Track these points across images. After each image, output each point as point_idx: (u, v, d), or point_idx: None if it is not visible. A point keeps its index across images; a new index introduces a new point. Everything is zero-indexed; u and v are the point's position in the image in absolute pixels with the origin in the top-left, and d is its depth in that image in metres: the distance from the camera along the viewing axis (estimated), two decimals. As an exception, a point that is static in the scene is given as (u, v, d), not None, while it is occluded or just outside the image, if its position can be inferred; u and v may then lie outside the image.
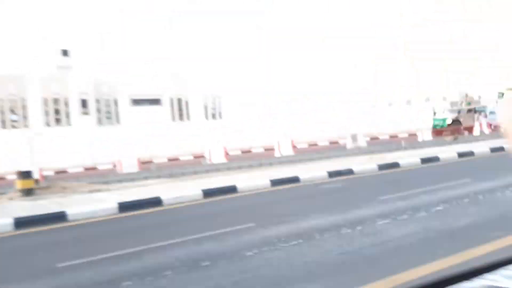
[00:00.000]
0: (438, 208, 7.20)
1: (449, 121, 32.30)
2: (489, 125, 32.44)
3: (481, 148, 16.84)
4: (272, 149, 29.37)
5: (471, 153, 15.78)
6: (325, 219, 7.04)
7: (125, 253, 6.06)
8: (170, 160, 31.88)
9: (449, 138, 27.00)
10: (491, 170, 11.83)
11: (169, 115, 60.55)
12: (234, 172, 17.44)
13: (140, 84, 59.36)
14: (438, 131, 32.61)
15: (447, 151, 16.77)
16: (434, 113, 36.14)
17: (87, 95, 53.54)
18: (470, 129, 31.91)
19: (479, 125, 32.28)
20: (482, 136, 27.93)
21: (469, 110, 33.92)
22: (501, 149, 15.78)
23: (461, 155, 15.52)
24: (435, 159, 15.00)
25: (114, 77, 56.90)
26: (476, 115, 33.18)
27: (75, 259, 5.90)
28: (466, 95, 36.21)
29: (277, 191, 11.08)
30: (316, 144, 35.54)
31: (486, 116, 33.20)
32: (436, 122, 33.40)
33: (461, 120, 32.58)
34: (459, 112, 33.76)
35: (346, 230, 6.18)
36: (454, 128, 32.12)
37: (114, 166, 22.95)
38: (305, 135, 37.69)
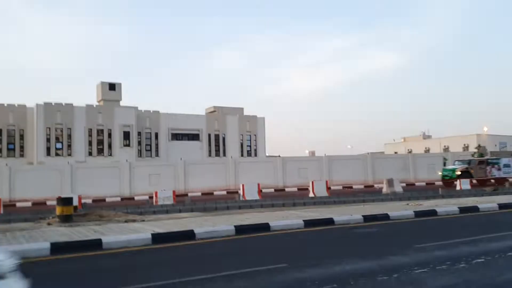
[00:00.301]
0: (479, 260, 6.92)
1: (458, 173, 31.11)
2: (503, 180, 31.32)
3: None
4: (306, 189, 29.17)
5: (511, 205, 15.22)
6: (360, 265, 6.89)
7: (157, 285, 6.08)
8: (204, 194, 32.18)
9: (488, 188, 26.11)
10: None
11: (206, 150, 61.48)
12: (267, 210, 17.37)
13: (180, 118, 60.83)
14: (447, 182, 31.68)
15: (486, 201, 16.22)
16: (444, 163, 35.26)
17: (129, 127, 55.25)
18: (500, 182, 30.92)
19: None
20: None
21: (481, 162, 32.68)
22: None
23: (502, 206, 14.98)
24: (474, 209, 14.53)
25: (156, 111, 58.57)
26: (488, 168, 31.97)
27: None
28: (479, 146, 35.37)
29: (310, 232, 10.93)
30: (351, 187, 35.12)
31: (500, 169, 32.19)
32: (445, 173, 32.47)
33: (472, 172, 31.33)
34: (469, 163, 32.64)
35: (381, 277, 6.02)
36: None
37: (150, 197, 23.24)
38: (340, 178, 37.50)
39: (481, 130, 76.47)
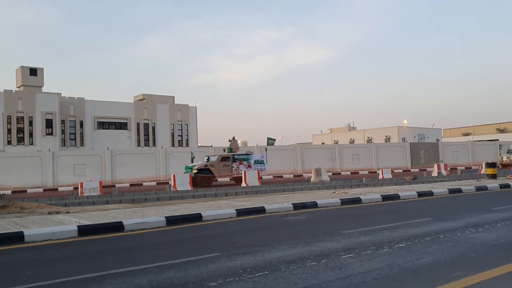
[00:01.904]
0: (401, 245, 7.33)
1: (195, 171, 28.51)
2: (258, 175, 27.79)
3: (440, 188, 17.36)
4: (239, 180, 29.35)
5: (430, 193, 16.26)
6: (290, 251, 7.05)
7: (84, 277, 5.86)
8: (132, 185, 31.38)
9: (408, 178, 27.67)
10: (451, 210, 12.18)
11: (135, 140, 59.85)
12: (199, 201, 17.28)
13: (107, 106, 58.60)
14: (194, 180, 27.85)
15: (406, 190, 17.21)
16: (192, 160, 32.18)
17: (52, 115, 52.40)
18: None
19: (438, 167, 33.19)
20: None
21: (225, 158, 29.57)
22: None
23: (420, 194, 15.96)
24: (395, 196, 15.36)
25: (80, 98, 55.96)
26: (235, 164, 29.51)
27: (31, 283, 5.66)
28: (233, 139, 31.35)
29: (242, 221, 11.03)
30: (281, 176, 35.83)
31: (250, 166, 29.80)
32: (186, 170, 29.74)
33: (213, 169, 28.89)
34: (208, 159, 30.10)
35: (311, 263, 6.20)
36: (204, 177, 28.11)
37: (75, 188, 22.30)
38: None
39: (401, 122, 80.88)
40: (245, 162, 29.70)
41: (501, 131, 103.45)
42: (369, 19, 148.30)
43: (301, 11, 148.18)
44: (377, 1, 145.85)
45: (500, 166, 40.54)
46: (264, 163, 30.41)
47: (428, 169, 36.58)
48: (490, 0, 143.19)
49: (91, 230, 9.65)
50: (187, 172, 28.98)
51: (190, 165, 30.69)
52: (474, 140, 62.86)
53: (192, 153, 33.71)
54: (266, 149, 32.76)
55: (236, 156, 29.85)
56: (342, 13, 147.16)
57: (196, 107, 65.74)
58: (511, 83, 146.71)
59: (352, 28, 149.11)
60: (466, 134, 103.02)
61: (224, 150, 30.90)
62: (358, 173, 38.68)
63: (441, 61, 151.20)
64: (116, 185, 30.66)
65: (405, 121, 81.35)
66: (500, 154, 46.53)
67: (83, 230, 9.54)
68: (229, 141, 31.13)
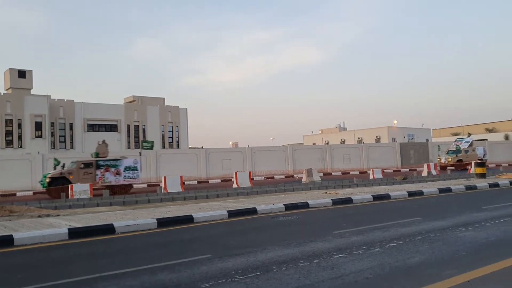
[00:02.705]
0: (392, 244, 7.38)
1: (48, 180, 25.11)
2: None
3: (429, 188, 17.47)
4: (229, 181, 29.32)
5: (420, 193, 16.37)
6: (282, 252, 7.06)
7: (75, 280, 5.83)
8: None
9: (398, 177, 27.84)
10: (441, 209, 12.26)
11: (125, 142, 59.53)
12: (190, 202, 17.24)
13: (97, 108, 58.23)
14: (50, 191, 24.98)
15: (396, 190, 17.31)
16: (55, 167, 27.55)
17: (42, 117, 51.98)
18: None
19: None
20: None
21: (87, 165, 25.89)
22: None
23: (411, 194, 16.06)
24: (386, 196, 15.44)
25: (70, 100, 55.50)
26: (100, 172, 25.72)
27: (22, 286, 5.61)
28: (103, 142, 27.81)
29: (234, 223, 11.02)
30: (272, 177, 35.86)
31: (119, 173, 26.23)
32: (42, 181, 25.92)
33: (71, 178, 25.12)
34: (63, 166, 26.52)
35: (303, 263, 6.22)
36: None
37: (65, 191, 22.13)
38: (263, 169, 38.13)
39: (391, 123, 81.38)
40: (112, 169, 26.02)
41: (490, 130, 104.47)
42: (360, 20, 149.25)
43: (292, 13, 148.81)
44: (368, 2, 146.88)
45: (439, 168, 37.98)
46: (137, 170, 26.59)
47: (418, 169, 36.84)
48: (478, 0, 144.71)
49: (82, 233, 9.59)
50: (42, 182, 25.62)
51: (49, 172, 27.06)
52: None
53: (55, 159, 28.48)
54: (140, 153, 29.07)
55: (101, 162, 25.96)
56: (333, 15, 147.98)
57: (186, 108, 65.61)
58: (499, 84, 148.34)
59: (343, 29, 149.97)
60: (455, 134, 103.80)
61: (92, 155, 27.32)
62: (349, 173, 38.84)
63: (431, 62, 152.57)
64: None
65: (395, 122, 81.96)
66: (438, 156, 44.47)
67: (74, 232, 9.47)
68: (99, 144, 27.51)
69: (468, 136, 45.79)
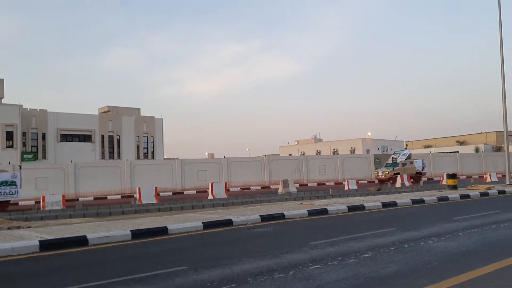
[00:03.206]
0: (366, 254, 7.45)
1: None
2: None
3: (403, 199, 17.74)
4: (205, 192, 29.13)
5: (394, 203, 16.60)
6: (258, 263, 7.04)
7: (47, 295, 5.68)
8: (96, 198, 30.70)
9: (373, 188, 28.17)
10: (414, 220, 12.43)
11: (99, 152, 58.64)
12: (165, 214, 17.06)
13: (70, 118, 57.24)
14: None
15: (371, 200, 17.51)
16: None
17: (13, 127, 50.75)
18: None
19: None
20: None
21: None
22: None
23: (385, 205, 16.27)
24: (361, 207, 15.61)
25: (43, 110, 54.40)
26: None
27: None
28: None
29: (209, 234, 10.95)
30: (248, 188, 35.82)
31: None
32: None
33: None
34: None
35: (279, 275, 6.22)
36: None
37: (37, 202, 21.60)
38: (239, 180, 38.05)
39: (366, 134, 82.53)
40: None
41: (461, 143, 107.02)
42: (334, 34, 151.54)
43: (267, 25, 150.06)
44: (342, 17, 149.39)
45: (377, 181, 38.20)
46: (16, 185, 23.54)
47: (391, 180, 37.35)
48: (453, 15, 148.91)
49: (54, 245, 9.37)
50: None
51: None
52: (435, 152, 64.70)
53: None
54: (20, 166, 26.51)
55: None
56: (308, 28, 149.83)
57: (162, 119, 65.10)
58: (470, 98, 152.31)
59: (318, 42, 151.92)
60: (428, 146, 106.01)
61: None
62: (324, 184, 39.10)
63: (404, 75, 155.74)
64: (80, 198, 29.93)
65: (369, 133, 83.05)
66: (376, 169, 42.57)
67: (45, 245, 9.25)
68: None
69: (406, 148, 45.04)
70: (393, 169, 39.12)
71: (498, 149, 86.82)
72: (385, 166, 40.94)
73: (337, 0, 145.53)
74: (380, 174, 39.45)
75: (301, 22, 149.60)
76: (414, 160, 41.39)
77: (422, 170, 41.20)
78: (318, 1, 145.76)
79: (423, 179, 41.36)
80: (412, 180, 35.63)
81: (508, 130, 27.92)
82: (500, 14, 26.25)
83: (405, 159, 41.14)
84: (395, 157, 42.08)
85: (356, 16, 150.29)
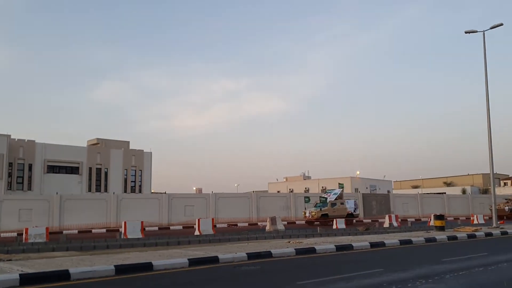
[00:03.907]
0: (354, 295, 7.36)
1: None
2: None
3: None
4: (192, 227, 28.75)
5: (382, 244, 16.53)
6: (244, 303, 6.91)
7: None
8: (81, 232, 30.14)
9: (361, 228, 28.03)
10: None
11: (86, 185, 57.96)
12: (150, 249, 16.78)
13: (58, 149, 56.80)
14: None
15: (359, 240, 17.41)
16: None
17: (0, 157, 50.17)
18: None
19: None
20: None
21: None
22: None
23: (373, 245, 16.18)
24: (349, 247, 15.50)
25: (31, 141, 54.01)
26: None
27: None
28: None
29: (194, 271, 10.76)
30: (236, 225, 35.45)
31: None
32: None
33: None
34: None
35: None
36: None
37: (20, 234, 21.13)
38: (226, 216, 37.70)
39: (354, 173, 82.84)
40: None
41: (448, 184, 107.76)
42: (323, 74, 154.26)
43: (257, 65, 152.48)
44: (331, 58, 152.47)
45: (305, 222, 35.69)
46: None
47: (380, 220, 37.25)
48: (440, 58, 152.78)
49: (35, 279, 9.13)
50: None
51: None
52: (423, 193, 64.99)
53: None
54: None
55: None
56: (297, 69, 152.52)
57: (151, 153, 64.92)
58: (457, 140, 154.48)
59: (306, 83, 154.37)
60: (415, 187, 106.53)
61: None
62: (313, 222, 38.82)
63: (391, 116, 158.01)
64: (64, 231, 29.35)
65: (358, 172, 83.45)
66: (304, 209, 38.62)
67: (26, 278, 9.01)
68: None
69: (340, 188, 40.84)
70: (320, 209, 36.11)
71: (485, 191, 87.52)
72: (315, 206, 37.50)
73: (326, 44, 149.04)
74: (307, 214, 36.09)
75: (290, 63, 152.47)
76: (346, 201, 38.75)
77: (355, 211, 38.58)
78: (307, 43, 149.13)
79: (411, 219, 41.27)
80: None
81: (495, 173, 28.24)
82: (486, 60, 27.01)
83: (335, 199, 38.03)
84: (325, 196, 38.67)
85: (343, 59, 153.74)
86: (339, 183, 39.92)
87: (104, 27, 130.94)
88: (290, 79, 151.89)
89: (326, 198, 37.81)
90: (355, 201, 39.65)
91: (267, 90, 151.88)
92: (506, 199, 47.77)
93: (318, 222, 34.47)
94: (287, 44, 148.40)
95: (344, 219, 32.39)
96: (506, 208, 43.77)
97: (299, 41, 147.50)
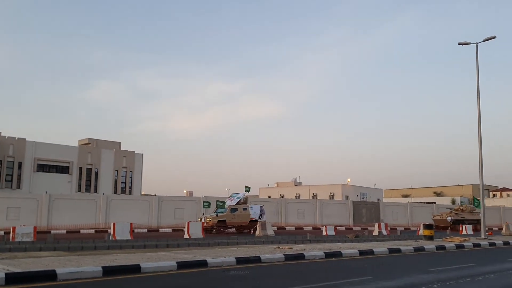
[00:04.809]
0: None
1: None
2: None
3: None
4: (181, 230, 28.64)
5: (371, 252, 16.56)
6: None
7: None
8: (69, 232, 29.92)
9: (350, 236, 28.08)
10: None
11: (76, 185, 57.53)
12: (138, 251, 16.68)
13: (49, 148, 56.41)
14: None
15: (348, 248, 17.45)
16: None
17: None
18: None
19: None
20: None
21: None
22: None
23: (362, 252, 16.21)
24: (338, 254, 15.52)
25: (21, 138, 53.64)
26: None
27: None
28: None
29: (182, 275, 10.70)
30: (226, 229, 35.34)
31: None
32: None
33: None
34: None
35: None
36: None
37: (7, 233, 20.93)
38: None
39: (345, 180, 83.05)
40: None
41: (438, 194, 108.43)
42: (317, 80, 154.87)
43: (251, 68, 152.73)
44: (326, 64, 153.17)
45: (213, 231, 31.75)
46: None
47: (369, 228, 37.36)
48: (429, 64, 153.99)
49: (21, 278, 9.04)
50: None
51: None
52: (412, 202, 65.31)
53: None
54: None
55: None
56: (293, 73, 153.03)
57: (142, 154, 64.64)
58: (448, 151, 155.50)
59: (300, 88, 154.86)
60: (405, 196, 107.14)
61: None
62: (302, 228, 38.85)
63: (383, 124, 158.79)
64: (52, 231, 29.13)
65: (349, 180, 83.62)
66: (203, 214, 35.53)
67: (12, 278, 8.91)
68: None
69: (246, 190, 35.63)
70: (217, 215, 32.59)
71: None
72: (215, 211, 33.64)
73: (321, 49, 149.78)
74: (203, 220, 31.14)
75: (286, 67, 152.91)
76: (250, 206, 34.35)
77: (260, 218, 33.80)
78: (303, 48, 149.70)
79: (400, 228, 41.40)
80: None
81: (484, 184, 28.42)
82: (478, 71, 27.22)
83: (237, 204, 33.91)
84: (222, 201, 34.68)
85: (338, 65, 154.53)
86: (245, 186, 34.41)
87: (100, 26, 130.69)
88: (284, 83, 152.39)
89: (224, 203, 33.93)
90: (261, 206, 35.20)
91: (262, 94, 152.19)
92: (450, 209, 45.12)
93: (214, 231, 31.41)
94: (283, 48, 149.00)
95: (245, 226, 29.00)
96: (449, 218, 41.10)
97: (295, 46, 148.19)
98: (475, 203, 36.55)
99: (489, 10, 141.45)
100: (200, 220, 31.78)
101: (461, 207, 44.24)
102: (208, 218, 32.13)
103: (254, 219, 33.14)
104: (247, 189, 35.39)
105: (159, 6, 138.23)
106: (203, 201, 35.90)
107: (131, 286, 9.08)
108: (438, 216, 43.43)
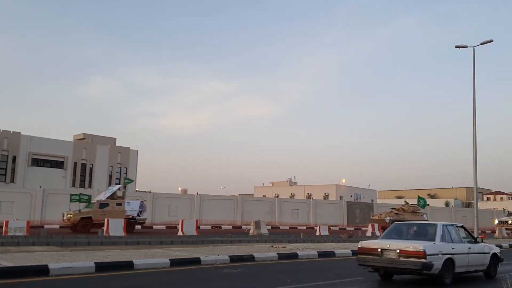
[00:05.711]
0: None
1: None
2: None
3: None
4: (175, 227, 28.59)
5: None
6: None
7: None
8: (62, 227, 29.78)
9: (344, 236, 28.12)
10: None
11: (70, 180, 57.34)
12: (132, 248, 16.65)
13: (44, 143, 56.17)
14: None
15: (341, 247, 17.50)
16: None
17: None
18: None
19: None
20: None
21: None
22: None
23: (355, 252, 16.23)
24: (331, 254, 15.56)
25: (16, 132, 53.41)
26: None
27: None
28: None
29: (176, 272, 10.70)
30: (220, 227, 35.36)
31: None
32: None
33: None
34: None
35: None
36: None
37: (-1, 227, 20.83)
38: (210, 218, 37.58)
39: (340, 181, 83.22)
40: None
41: (432, 196, 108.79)
42: (313, 81, 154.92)
43: (247, 68, 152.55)
44: (322, 65, 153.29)
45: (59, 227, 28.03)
46: None
47: (363, 228, 37.39)
48: (426, 66, 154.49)
49: (12, 273, 9.00)
50: None
51: None
52: (407, 203, 65.36)
53: None
54: None
55: None
56: (289, 73, 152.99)
57: (137, 151, 64.49)
58: (443, 153, 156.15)
59: (296, 89, 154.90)
60: (399, 197, 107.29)
61: None
62: (296, 228, 38.87)
63: (378, 125, 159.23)
64: (45, 226, 29.00)
65: (344, 180, 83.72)
66: (69, 209, 27.30)
67: (4, 272, 8.90)
68: None
69: (129, 182, 31.42)
70: (79, 211, 26.94)
71: (468, 205, 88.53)
72: (86, 206, 27.63)
73: (318, 50, 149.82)
74: (65, 217, 26.85)
75: (282, 68, 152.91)
76: (127, 201, 28.68)
77: (140, 215, 28.98)
78: (300, 48, 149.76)
79: (382, 230, 41.33)
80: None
81: (478, 187, 28.52)
82: (474, 74, 27.30)
83: (108, 197, 28.33)
84: (88, 194, 29.35)
85: (334, 66, 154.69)
86: (126, 178, 29.56)
87: (96, 22, 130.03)
88: (280, 84, 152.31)
89: (90, 196, 28.67)
90: (142, 202, 30.11)
91: (258, 94, 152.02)
92: (391, 208, 40.23)
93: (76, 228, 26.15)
94: (281, 48, 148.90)
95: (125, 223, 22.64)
96: (387, 219, 36.31)
97: (292, 46, 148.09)
98: (420, 203, 35.25)
99: (486, 14, 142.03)
100: (63, 216, 27.33)
101: (403, 207, 39.02)
102: (70, 215, 26.43)
103: (131, 216, 27.63)
104: (128, 181, 31.47)
105: (157, 3, 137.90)
106: (71, 194, 28.53)
107: (123, 282, 9.06)
108: (377, 216, 39.31)
